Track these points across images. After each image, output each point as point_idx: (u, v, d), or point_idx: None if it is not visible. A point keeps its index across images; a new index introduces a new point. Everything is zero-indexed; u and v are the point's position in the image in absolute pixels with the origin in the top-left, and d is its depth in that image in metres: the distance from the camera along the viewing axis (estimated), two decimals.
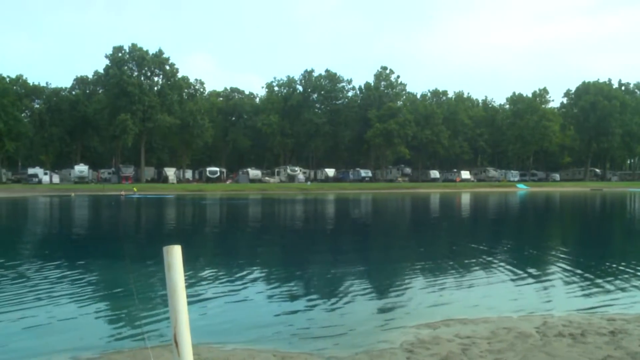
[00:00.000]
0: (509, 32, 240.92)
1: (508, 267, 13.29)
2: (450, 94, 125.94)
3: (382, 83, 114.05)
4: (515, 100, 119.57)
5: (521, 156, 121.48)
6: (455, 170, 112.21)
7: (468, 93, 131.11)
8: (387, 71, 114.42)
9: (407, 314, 8.78)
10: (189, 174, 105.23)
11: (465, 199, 59.31)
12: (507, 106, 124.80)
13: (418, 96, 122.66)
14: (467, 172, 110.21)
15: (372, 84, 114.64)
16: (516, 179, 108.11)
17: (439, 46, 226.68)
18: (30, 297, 9.93)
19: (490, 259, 14.81)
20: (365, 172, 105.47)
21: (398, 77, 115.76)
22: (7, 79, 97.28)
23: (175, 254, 2.97)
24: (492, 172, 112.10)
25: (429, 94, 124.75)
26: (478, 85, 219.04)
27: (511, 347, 6.83)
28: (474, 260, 14.43)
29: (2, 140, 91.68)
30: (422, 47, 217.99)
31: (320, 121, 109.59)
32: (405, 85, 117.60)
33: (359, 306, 9.35)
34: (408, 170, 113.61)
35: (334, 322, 8.31)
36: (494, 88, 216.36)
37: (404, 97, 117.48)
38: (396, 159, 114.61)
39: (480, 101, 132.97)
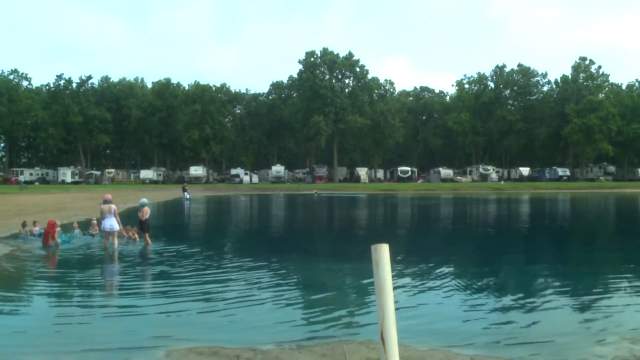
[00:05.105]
0: None
1: None
2: None
3: (581, 75, 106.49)
4: None
5: None
6: None
7: None
8: (587, 62, 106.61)
9: (619, 326, 7.80)
10: (380, 173, 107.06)
11: None
12: None
13: (623, 87, 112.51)
14: None
15: (570, 77, 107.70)
16: None
17: None
18: (236, 290, 10.37)
19: None
20: (562, 171, 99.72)
21: (599, 67, 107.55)
22: (214, 88, 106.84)
23: (383, 252, 3.06)
24: None
25: (636, 84, 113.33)
26: None
27: None
28: None
29: (209, 143, 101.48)
30: (627, 32, 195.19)
31: (513, 118, 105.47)
32: (607, 75, 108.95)
33: (563, 314, 8.71)
34: (612, 168, 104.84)
35: (535, 329, 7.79)
36: None
37: (607, 89, 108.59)
38: (598, 157, 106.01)
39: None
